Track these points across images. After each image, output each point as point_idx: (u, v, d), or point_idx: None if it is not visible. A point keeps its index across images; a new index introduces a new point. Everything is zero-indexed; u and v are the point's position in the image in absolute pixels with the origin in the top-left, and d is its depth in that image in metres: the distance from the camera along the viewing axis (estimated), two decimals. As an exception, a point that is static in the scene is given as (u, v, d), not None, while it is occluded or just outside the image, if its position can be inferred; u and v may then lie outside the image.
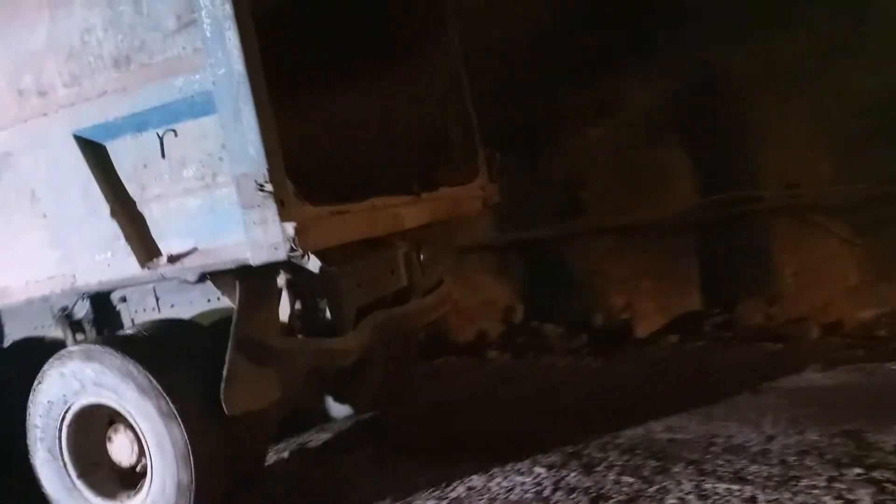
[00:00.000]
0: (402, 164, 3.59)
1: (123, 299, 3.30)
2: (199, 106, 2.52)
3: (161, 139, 2.66)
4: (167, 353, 2.88)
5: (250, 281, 2.71)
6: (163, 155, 2.67)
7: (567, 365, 4.73)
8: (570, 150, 5.57)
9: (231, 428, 2.77)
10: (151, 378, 2.74)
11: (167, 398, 2.72)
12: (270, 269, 2.74)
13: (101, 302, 3.31)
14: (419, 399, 4.43)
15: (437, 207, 3.63)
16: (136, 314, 3.28)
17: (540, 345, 5.27)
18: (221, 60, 2.41)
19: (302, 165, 2.58)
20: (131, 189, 2.77)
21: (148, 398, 2.75)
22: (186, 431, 2.71)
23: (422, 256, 3.76)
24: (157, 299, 3.16)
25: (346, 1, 3.61)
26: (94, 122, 2.75)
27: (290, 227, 2.40)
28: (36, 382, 3.01)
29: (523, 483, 2.86)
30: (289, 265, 2.64)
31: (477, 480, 2.95)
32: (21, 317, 3.46)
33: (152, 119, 2.65)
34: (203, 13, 2.41)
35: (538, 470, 2.94)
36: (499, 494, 2.81)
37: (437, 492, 2.92)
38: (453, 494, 2.88)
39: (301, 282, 3.04)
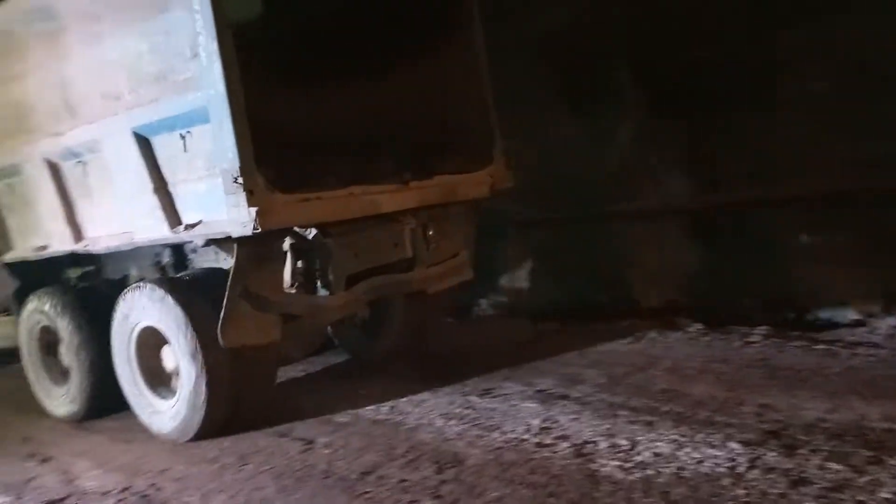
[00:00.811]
0: (400, 156, 4.30)
1: (194, 250, 4.44)
2: (202, 116, 3.48)
3: (183, 138, 3.59)
4: (198, 295, 3.90)
5: (250, 245, 3.63)
6: (184, 150, 3.62)
7: (768, 341, 4.50)
8: (782, 107, 4.87)
9: (239, 357, 3.77)
10: (183, 312, 3.76)
11: (192, 329, 3.74)
12: (275, 235, 3.71)
13: (180, 252, 4.45)
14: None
15: (426, 195, 4.31)
16: (202, 263, 4.40)
17: (737, 319, 4.99)
18: (211, 84, 3.32)
19: (307, 152, 3.61)
20: (165, 174, 3.80)
21: (179, 327, 3.79)
22: (203, 357, 3.74)
23: (430, 232, 4.55)
24: (216, 253, 4.19)
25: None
26: (144, 122, 3.80)
27: (253, 211, 3.34)
28: (116, 305, 4.19)
29: (715, 456, 2.83)
30: (292, 233, 3.81)
31: (664, 448, 3.01)
32: (114, 260, 4.70)
33: (178, 123, 3.66)
34: (200, 48, 3.27)
35: (732, 445, 2.92)
36: (687, 464, 2.81)
37: (622, 454, 3.03)
38: (638, 458, 2.95)
39: (302, 248, 3.96)
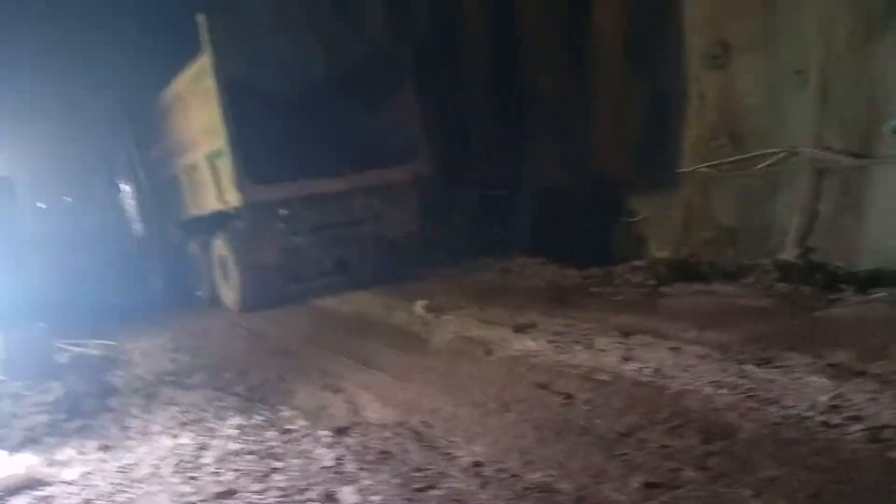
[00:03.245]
0: (341, 163, 7.91)
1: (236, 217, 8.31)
2: (220, 152, 7.79)
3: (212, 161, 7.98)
4: (237, 238, 8.13)
5: (255, 212, 7.86)
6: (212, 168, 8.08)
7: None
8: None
9: (258, 269, 8.15)
10: (231, 249, 8.23)
11: (233, 255, 8.26)
12: (271, 208, 7.90)
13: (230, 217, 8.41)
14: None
15: (358, 181, 8.06)
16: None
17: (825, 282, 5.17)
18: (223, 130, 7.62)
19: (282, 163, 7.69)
20: (209, 176, 8.07)
21: (230, 254, 8.31)
22: (239, 268, 8.11)
23: (374, 201, 8.20)
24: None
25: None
26: (208, 151, 8.07)
27: (241, 197, 7.70)
28: (210, 243, 8.78)
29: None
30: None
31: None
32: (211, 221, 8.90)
33: (213, 154, 8.09)
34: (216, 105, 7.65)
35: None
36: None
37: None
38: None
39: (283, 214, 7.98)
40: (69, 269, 11.30)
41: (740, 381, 3.57)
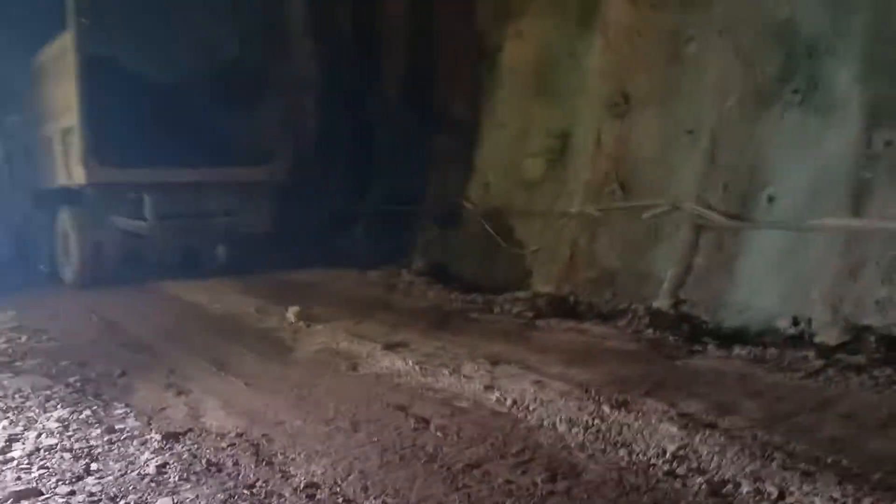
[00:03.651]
0: (199, 153, 8.09)
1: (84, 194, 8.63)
2: (72, 128, 7.98)
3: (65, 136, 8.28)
4: (81, 215, 8.45)
5: (100, 192, 8.22)
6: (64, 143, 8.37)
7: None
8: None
9: (99, 248, 8.37)
10: (73, 225, 8.51)
11: (77, 231, 8.47)
12: (119, 190, 8.26)
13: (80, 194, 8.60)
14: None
15: (211, 175, 8.40)
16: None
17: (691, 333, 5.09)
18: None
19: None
20: (60, 150, 8.56)
21: (73, 229, 8.54)
22: (80, 246, 8.38)
23: (228, 198, 8.65)
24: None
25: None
26: (62, 126, 8.45)
27: (86, 175, 7.78)
28: (56, 217, 8.88)
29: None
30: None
31: None
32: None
33: (66, 130, 8.38)
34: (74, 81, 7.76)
35: None
36: None
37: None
38: None
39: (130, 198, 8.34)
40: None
41: (595, 422, 3.54)
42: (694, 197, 5.87)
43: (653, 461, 3.07)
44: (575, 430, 3.45)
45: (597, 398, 3.87)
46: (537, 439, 3.34)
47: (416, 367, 4.54)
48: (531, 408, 3.78)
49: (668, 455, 3.12)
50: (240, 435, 3.43)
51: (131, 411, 3.86)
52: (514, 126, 8.13)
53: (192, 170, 8.14)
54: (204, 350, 5.20)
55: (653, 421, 3.51)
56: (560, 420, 3.58)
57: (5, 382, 4.35)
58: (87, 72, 7.53)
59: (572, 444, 3.28)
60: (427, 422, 3.57)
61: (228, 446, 3.28)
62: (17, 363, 4.87)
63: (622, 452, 3.17)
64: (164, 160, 7.90)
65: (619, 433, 3.39)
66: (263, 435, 3.42)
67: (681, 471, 2.97)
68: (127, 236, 8.30)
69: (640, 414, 3.61)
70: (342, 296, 7.26)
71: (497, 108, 8.31)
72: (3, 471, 3.00)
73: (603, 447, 3.23)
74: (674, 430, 3.38)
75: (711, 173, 5.81)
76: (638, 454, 3.14)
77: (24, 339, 5.63)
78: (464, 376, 4.36)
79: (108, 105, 7.45)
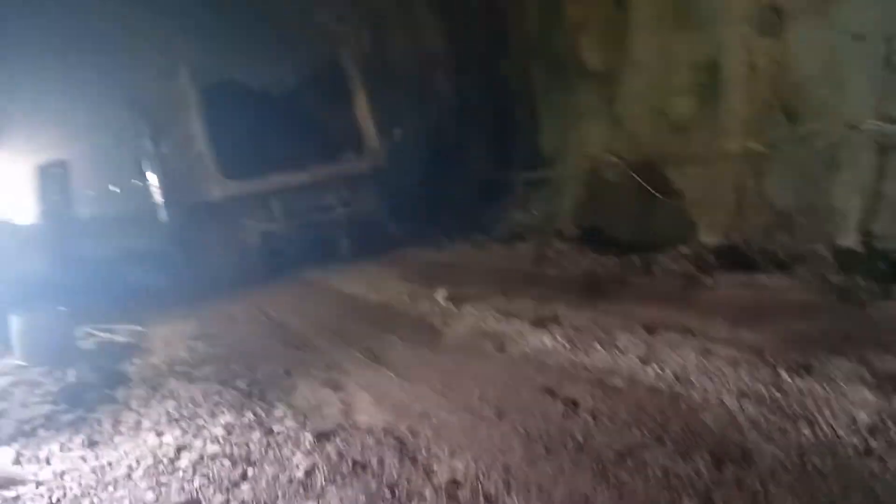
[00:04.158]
0: (306, 156, 9.23)
1: None
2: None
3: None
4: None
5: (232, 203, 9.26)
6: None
7: None
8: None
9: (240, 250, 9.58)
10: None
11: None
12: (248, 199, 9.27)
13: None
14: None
15: (323, 173, 9.33)
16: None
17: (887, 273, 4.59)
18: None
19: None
20: None
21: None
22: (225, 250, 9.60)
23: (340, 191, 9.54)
24: None
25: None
26: None
27: (217, 190, 8.88)
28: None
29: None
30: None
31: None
32: None
33: None
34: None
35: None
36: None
37: None
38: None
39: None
40: (120, 250, 11.58)
41: (770, 392, 3.12)
42: (873, 112, 5.04)
43: (842, 437, 2.63)
44: (746, 404, 3.05)
45: (772, 363, 3.42)
46: (701, 418, 2.99)
47: (566, 344, 4.30)
48: (694, 381, 3.41)
49: (861, 428, 2.65)
50: (387, 431, 3.40)
51: (290, 411, 3.99)
52: (655, 65, 7.48)
53: (304, 171, 9.17)
54: (360, 342, 5.29)
55: (841, 386, 3.03)
56: (728, 393, 3.19)
57: (181, 392, 4.67)
58: (204, 103, 8.89)
59: (743, 423, 2.89)
60: (576, 405, 3.33)
61: (375, 444, 3.26)
62: (194, 371, 5.23)
63: (804, 429, 2.75)
64: (281, 165, 8.97)
65: (801, 404, 2.95)
66: (409, 429, 3.37)
67: (878, 447, 2.51)
68: (264, 236, 9.28)
69: (826, 378, 3.13)
70: (491, 272, 7.12)
71: (633, 48, 7.69)
72: (168, 481, 3.19)
73: (780, 423, 2.82)
74: (867, 395, 2.89)
75: (891, 81, 4.95)
76: (823, 429, 2.71)
77: (202, 346, 6.07)
78: (617, 349, 4.05)
79: (227, 125, 8.70)
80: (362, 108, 9.70)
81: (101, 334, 6.99)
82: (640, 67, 7.66)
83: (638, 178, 7.64)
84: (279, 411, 4.03)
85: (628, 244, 7.21)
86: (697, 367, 3.57)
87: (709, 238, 6.63)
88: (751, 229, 6.23)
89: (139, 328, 7.13)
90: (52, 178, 11.98)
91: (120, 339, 6.81)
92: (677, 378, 3.48)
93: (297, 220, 9.31)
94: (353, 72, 9.73)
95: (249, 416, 3.99)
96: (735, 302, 4.66)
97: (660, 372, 3.60)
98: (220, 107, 8.91)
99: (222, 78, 9.42)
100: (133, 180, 12.36)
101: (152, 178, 11.89)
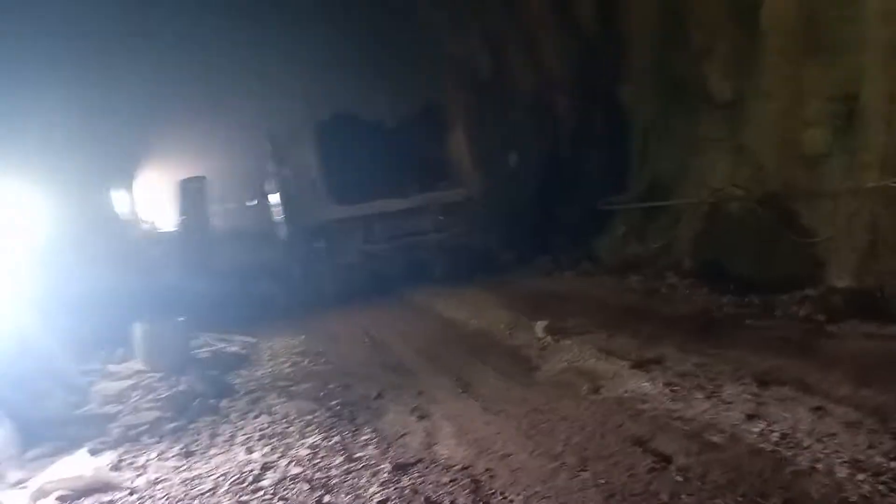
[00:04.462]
0: (406, 188, 10.40)
1: None
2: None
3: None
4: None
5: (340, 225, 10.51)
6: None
7: None
8: None
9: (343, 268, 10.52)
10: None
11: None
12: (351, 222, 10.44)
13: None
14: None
15: (421, 201, 10.34)
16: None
17: None
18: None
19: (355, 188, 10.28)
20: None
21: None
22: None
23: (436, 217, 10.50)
24: None
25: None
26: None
27: (327, 214, 10.32)
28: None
29: None
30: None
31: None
32: None
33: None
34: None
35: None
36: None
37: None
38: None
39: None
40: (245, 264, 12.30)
41: (890, 465, 2.77)
42: None
43: (975, 529, 2.28)
44: (860, 476, 2.73)
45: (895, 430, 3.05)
46: (805, 488, 2.70)
47: (666, 390, 4.04)
48: (804, 444, 3.10)
49: None
50: (464, 468, 3.33)
51: (375, 437, 3.99)
52: (785, 94, 6.99)
53: (403, 199, 10.26)
54: (453, 369, 5.25)
55: (978, 466, 2.64)
56: (840, 461, 2.87)
57: (277, 407, 4.81)
58: (320, 136, 10.55)
59: (854, 497, 2.58)
60: (667, 460, 3.11)
61: (450, 481, 3.19)
62: (293, 387, 5.38)
63: (927, 513, 2.41)
64: (383, 193, 10.14)
65: (926, 483, 2.60)
66: (487, 469, 3.27)
67: None
68: (366, 256, 10.28)
69: (960, 456, 2.75)
70: (596, 305, 6.88)
71: (761, 76, 7.24)
72: (249, 500, 3.26)
73: (898, 504, 2.49)
74: None
75: None
76: (951, 517, 2.36)
77: (305, 362, 6.25)
78: (722, 401, 3.76)
79: (343, 153, 10.11)
80: (460, 143, 11.01)
81: (218, 343, 7.39)
82: (768, 96, 7.19)
83: (762, 212, 7.16)
84: (364, 436, 4.04)
85: (749, 282, 6.75)
86: (809, 428, 3.25)
87: (838, 281, 6.09)
88: (886, 273, 5.66)
89: (252, 339, 7.46)
90: (192, 192, 13.05)
91: (233, 349, 7.16)
92: (784, 439, 3.18)
93: (395, 242, 10.28)
94: (453, 108, 11.14)
95: (336, 438, 4.04)
96: (860, 355, 4.22)
97: (766, 430, 3.30)
98: (338, 136, 10.31)
99: (340, 111, 10.89)
100: (259, 200, 13.27)
101: (275, 199, 12.73)
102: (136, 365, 6.42)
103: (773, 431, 3.27)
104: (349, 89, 11.15)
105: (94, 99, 11.81)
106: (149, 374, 6.09)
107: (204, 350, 7.09)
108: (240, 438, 4.26)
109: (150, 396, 5.38)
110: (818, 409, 3.45)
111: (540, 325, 5.86)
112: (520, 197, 11.75)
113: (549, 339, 5.65)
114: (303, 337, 7.37)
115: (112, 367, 6.48)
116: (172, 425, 4.64)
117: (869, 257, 5.88)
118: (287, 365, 6.22)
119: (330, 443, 3.97)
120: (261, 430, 4.37)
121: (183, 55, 13.50)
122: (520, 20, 11.54)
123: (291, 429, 4.33)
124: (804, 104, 6.74)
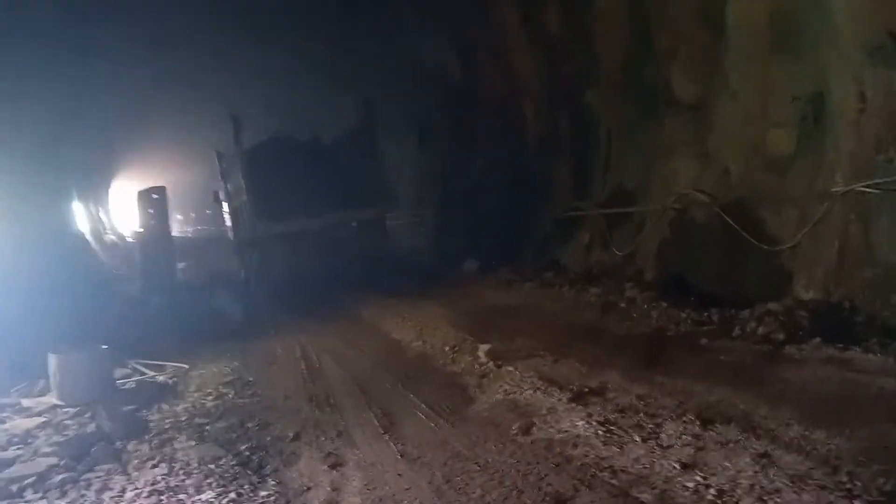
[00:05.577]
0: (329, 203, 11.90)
1: None
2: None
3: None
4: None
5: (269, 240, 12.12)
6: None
7: None
8: None
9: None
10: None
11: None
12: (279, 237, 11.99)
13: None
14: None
15: (333, 219, 12.02)
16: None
17: None
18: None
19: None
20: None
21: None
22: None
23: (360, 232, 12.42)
24: None
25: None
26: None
27: (256, 230, 11.98)
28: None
29: None
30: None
31: None
32: None
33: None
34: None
35: None
36: None
37: None
38: None
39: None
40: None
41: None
42: None
43: None
44: (800, 550, 2.36)
45: (847, 486, 2.68)
46: (734, 568, 2.32)
47: (601, 431, 3.67)
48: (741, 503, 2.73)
49: None
50: None
51: (276, 493, 3.60)
52: (751, 94, 6.66)
53: (321, 218, 11.73)
54: (382, 403, 4.86)
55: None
56: (781, 531, 2.50)
57: (182, 453, 4.39)
58: (252, 158, 11.77)
59: (788, 582, 2.21)
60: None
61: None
62: (209, 426, 4.96)
63: None
64: (306, 211, 11.56)
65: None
66: (385, 538, 2.88)
67: None
68: (293, 264, 11.59)
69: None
70: (549, 322, 6.51)
71: (728, 76, 6.89)
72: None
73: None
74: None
75: None
76: None
77: (231, 394, 5.82)
78: (659, 445, 3.40)
79: (273, 174, 11.36)
80: (381, 162, 12.91)
81: (147, 371, 6.94)
82: (734, 97, 6.86)
83: (727, 219, 6.81)
84: (266, 491, 3.65)
85: (710, 295, 6.42)
86: (751, 481, 2.88)
87: (805, 293, 5.76)
88: (855, 285, 5.33)
89: (185, 366, 7.02)
90: (152, 202, 13.00)
91: (161, 378, 6.71)
92: (721, 497, 2.81)
93: (317, 255, 11.66)
94: (380, 128, 12.72)
95: (232, 495, 3.63)
96: (816, 385, 3.87)
97: (701, 485, 2.93)
98: (272, 156, 11.66)
99: (277, 133, 12.56)
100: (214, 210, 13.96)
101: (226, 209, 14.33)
102: (53, 399, 6.00)
103: (709, 487, 2.91)
104: (289, 109, 12.55)
105: (61, 112, 11.62)
106: (64, 410, 5.68)
107: (130, 380, 6.66)
108: (129, 495, 3.83)
109: (55, 438, 4.95)
110: (763, 456, 3.09)
111: (483, 349, 5.48)
112: (485, 204, 11.45)
113: (491, 364, 5.28)
114: (236, 363, 6.92)
115: (26, 402, 6.06)
116: (61, 477, 4.19)
117: (837, 267, 5.55)
118: (211, 398, 5.77)
119: (224, 501, 3.57)
120: (154, 483, 3.93)
121: (147, 70, 13.59)
122: (487, 26, 11.20)
123: (189, 482, 3.90)
124: (770, 104, 6.41)
